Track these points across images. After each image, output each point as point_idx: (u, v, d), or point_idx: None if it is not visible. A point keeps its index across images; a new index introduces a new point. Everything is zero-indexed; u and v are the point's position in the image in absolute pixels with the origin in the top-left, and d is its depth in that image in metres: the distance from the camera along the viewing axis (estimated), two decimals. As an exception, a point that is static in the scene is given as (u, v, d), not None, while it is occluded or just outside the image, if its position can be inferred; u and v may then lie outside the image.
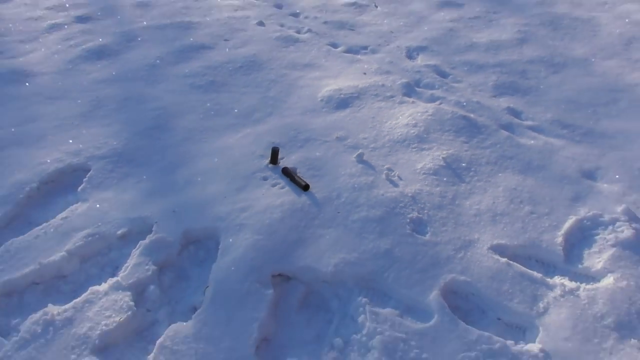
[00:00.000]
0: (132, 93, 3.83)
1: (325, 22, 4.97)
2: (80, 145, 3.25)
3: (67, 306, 2.31)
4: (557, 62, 4.18)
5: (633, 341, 2.16)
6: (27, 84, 3.96)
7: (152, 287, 2.44)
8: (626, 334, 2.19)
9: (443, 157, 3.10)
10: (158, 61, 4.26)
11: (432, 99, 3.72)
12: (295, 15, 5.19)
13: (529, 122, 3.51)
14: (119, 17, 5.10)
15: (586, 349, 2.13)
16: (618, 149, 3.25)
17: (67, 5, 5.36)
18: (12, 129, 3.41)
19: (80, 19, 5.03)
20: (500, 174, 3.03)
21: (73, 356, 2.10)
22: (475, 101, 3.67)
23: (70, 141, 3.29)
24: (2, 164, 3.11)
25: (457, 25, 4.83)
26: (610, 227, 2.68)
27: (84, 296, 2.36)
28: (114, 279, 2.45)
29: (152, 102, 3.72)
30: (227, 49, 4.44)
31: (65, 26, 4.90)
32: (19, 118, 3.54)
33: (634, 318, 2.25)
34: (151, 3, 5.42)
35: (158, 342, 2.16)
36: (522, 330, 2.30)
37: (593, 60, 4.20)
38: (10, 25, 4.92)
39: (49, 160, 3.12)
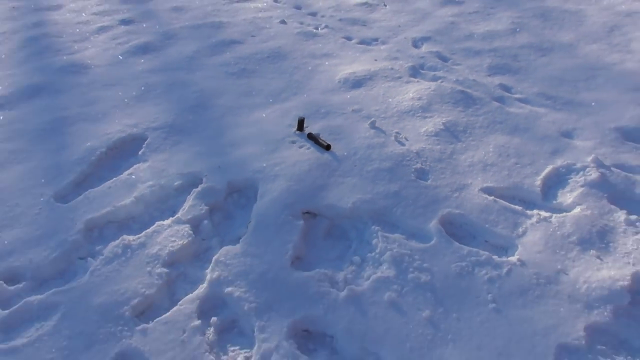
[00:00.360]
0: (175, 80, 4.46)
1: (340, 20, 5.58)
2: (137, 120, 3.87)
3: (139, 235, 2.92)
4: (546, 47, 4.74)
5: (592, 252, 2.71)
6: (85, 74, 4.61)
7: (205, 222, 3.04)
8: (587, 247, 2.74)
9: (443, 123, 3.67)
10: (195, 54, 4.89)
11: (435, 79, 4.30)
12: (313, 14, 5.81)
13: (518, 95, 4.07)
14: (157, 19, 5.76)
15: (555, 258, 2.68)
16: (593, 114, 3.79)
17: (111, 11, 6.04)
18: (79, 109, 4.05)
19: (124, 22, 5.70)
20: (491, 135, 3.60)
21: (148, 268, 2.69)
22: (471, 79, 4.24)
23: (129, 117, 3.92)
24: (74, 135, 3.74)
25: (457, 19, 5.41)
26: (581, 172, 3.23)
27: (152, 228, 2.96)
28: (175, 217, 3.05)
29: (193, 86, 4.35)
30: (255, 43, 5.07)
31: (112, 28, 5.57)
32: (82, 101, 4.19)
33: (594, 236, 2.79)
34: (185, 7, 6.09)
35: (214, 258, 2.75)
36: (505, 249, 2.85)
37: (577, 45, 4.75)
38: (64, 28, 5.60)
39: (112, 132, 3.75)
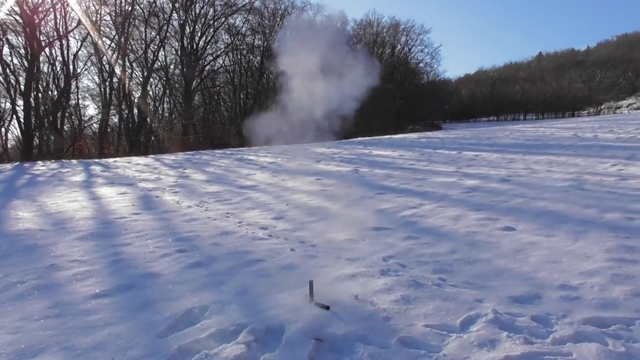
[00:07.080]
0: (222, 279, 6.62)
1: (332, 248, 8.01)
2: (201, 299, 5.93)
3: (216, 350, 4.80)
4: (471, 260, 7.06)
5: (485, 349, 4.62)
6: (159, 278, 6.78)
7: (253, 343, 4.92)
8: (483, 346, 4.65)
9: (401, 295, 5.78)
10: (234, 267, 7.15)
11: (396, 276, 6.51)
12: (313, 245, 8.26)
13: (450, 283, 6.23)
14: (202, 250, 8.17)
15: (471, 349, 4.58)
16: (496, 291, 5.92)
17: (168, 246, 8.47)
18: (159, 295, 6.13)
19: (179, 251, 8.09)
20: (431, 302, 5.67)
21: (223, 362, 4.54)
22: (421, 275, 6.46)
23: (196, 297, 5.99)
24: (161, 307, 5.76)
25: (414, 247, 7.85)
26: (484, 316, 5.24)
27: (221, 347, 4.84)
28: (234, 342, 4.95)
29: (236, 282, 6.49)
30: (275, 261, 7.38)
31: (171, 254, 7.92)
32: (161, 291, 6.27)
33: (489, 341, 4.72)
34: (220, 243, 8.56)
35: (261, 358, 4.61)
36: (442, 340, 4.73)
37: (492, 259, 7.10)
38: (136, 256, 7.94)
39: (187, 304, 5.78)
